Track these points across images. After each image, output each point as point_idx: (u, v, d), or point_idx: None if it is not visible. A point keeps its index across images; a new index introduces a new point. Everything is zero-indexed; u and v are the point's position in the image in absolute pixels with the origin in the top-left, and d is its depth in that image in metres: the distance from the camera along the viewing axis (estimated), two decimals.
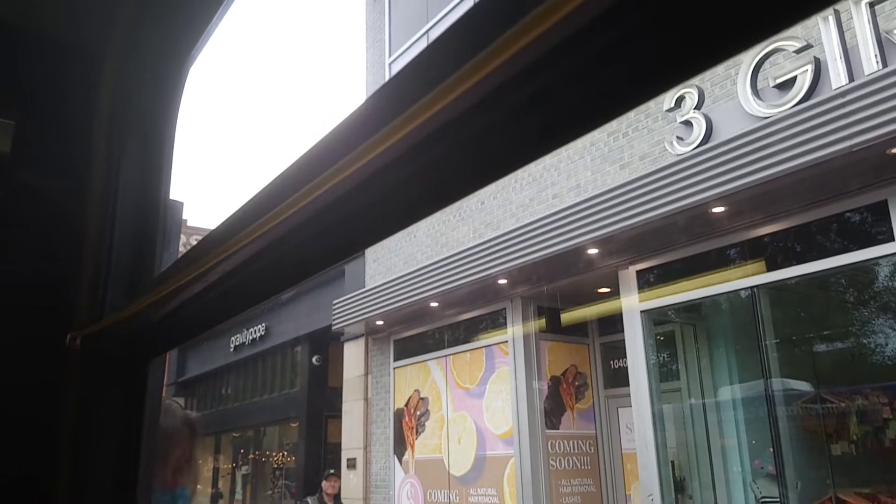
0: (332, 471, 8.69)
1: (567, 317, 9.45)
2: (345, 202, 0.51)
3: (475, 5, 0.40)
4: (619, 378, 9.05)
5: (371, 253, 11.78)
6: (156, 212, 1.14)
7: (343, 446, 12.28)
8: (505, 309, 9.39)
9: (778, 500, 6.46)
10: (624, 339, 7.78)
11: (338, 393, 12.83)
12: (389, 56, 12.63)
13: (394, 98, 0.46)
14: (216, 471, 20.62)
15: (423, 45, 11.60)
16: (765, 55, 6.37)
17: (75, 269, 1.04)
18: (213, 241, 0.68)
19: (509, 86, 0.38)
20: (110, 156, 1.12)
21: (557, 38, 0.35)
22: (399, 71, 0.46)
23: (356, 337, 12.08)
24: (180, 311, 0.78)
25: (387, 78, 12.32)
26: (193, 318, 0.83)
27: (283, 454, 17.29)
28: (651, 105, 7.27)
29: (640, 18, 0.33)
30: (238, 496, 19.02)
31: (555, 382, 9.29)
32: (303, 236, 0.58)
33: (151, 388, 1.02)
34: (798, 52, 6.17)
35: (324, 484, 8.21)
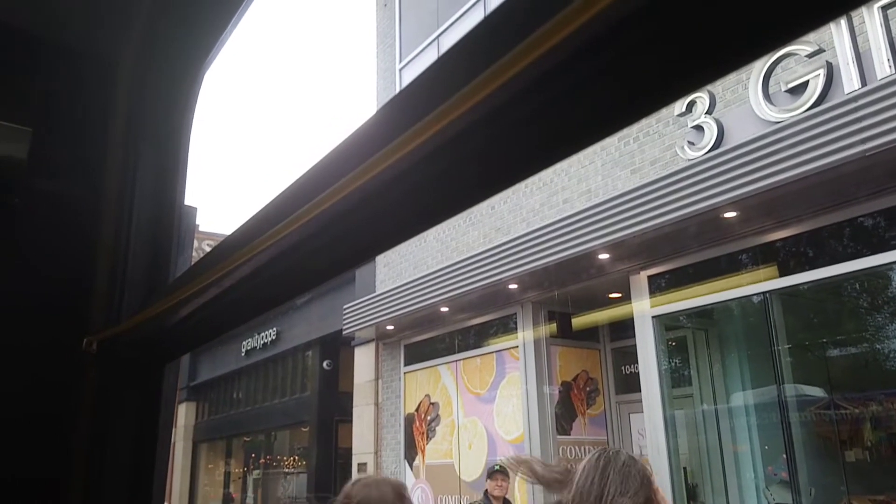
0: (497, 466, 6.27)
1: (578, 322, 9.43)
2: (358, 210, 0.52)
3: (485, 18, 0.41)
4: (630, 384, 9.01)
5: (381, 258, 11.81)
6: (171, 217, 1.15)
7: (354, 451, 12.29)
8: (515, 314, 9.38)
9: None
10: (635, 345, 7.75)
11: (349, 397, 12.85)
12: (400, 62, 12.66)
13: (405, 109, 0.47)
14: (227, 475, 20.67)
15: (433, 50, 11.64)
16: (776, 59, 6.35)
17: (91, 274, 1.05)
18: (229, 247, 0.69)
19: (519, 97, 0.39)
20: (126, 162, 1.14)
21: (566, 52, 0.35)
22: (410, 82, 0.47)
23: (367, 341, 12.10)
24: (195, 315, 0.79)
25: (398, 84, 12.38)
26: (208, 322, 0.84)
27: (294, 458, 17.32)
28: (662, 110, 7.26)
29: (645, 33, 0.34)
30: (249, 500, 19.06)
31: (566, 388, 9.27)
32: (316, 243, 0.59)
33: (166, 393, 1.03)
34: (810, 56, 6.15)
35: (489, 484, 6.20)
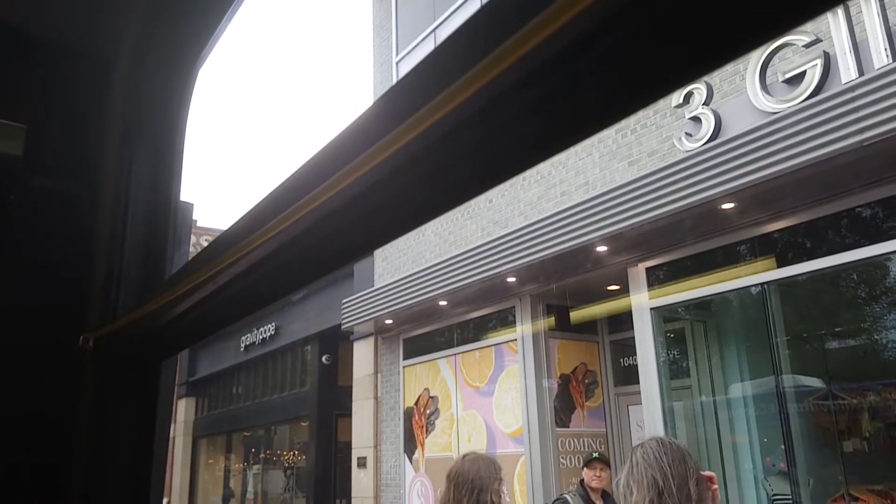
0: (596, 454, 5.55)
1: (576, 315, 9.44)
2: (354, 205, 0.52)
3: (479, 10, 0.40)
4: (629, 376, 9.03)
5: (380, 252, 11.81)
6: (167, 213, 1.15)
7: (353, 445, 12.32)
8: (514, 307, 9.39)
9: (790, 497, 6.44)
10: (634, 337, 7.76)
11: (348, 392, 12.87)
12: (396, 55, 12.64)
13: (401, 101, 0.46)
14: (227, 470, 20.72)
15: (430, 43, 11.61)
16: (773, 50, 6.35)
17: (87, 271, 1.05)
18: (224, 242, 0.69)
19: (516, 89, 0.39)
20: (121, 158, 1.13)
21: (562, 43, 0.35)
22: (406, 74, 0.46)
23: (366, 336, 12.11)
24: (192, 312, 0.79)
25: (394, 76, 12.36)
26: (205, 319, 0.83)
27: (294, 453, 17.36)
28: (659, 101, 7.25)
29: (642, 23, 0.34)
30: (249, 495, 19.10)
31: (564, 380, 9.29)
32: (312, 238, 0.59)
33: (163, 389, 1.03)
34: (807, 46, 6.14)
35: (586, 474, 5.38)
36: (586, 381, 9.53)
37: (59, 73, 1.14)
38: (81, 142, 1.13)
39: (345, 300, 11.67)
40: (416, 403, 11.10)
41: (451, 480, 2.79)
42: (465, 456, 2.92)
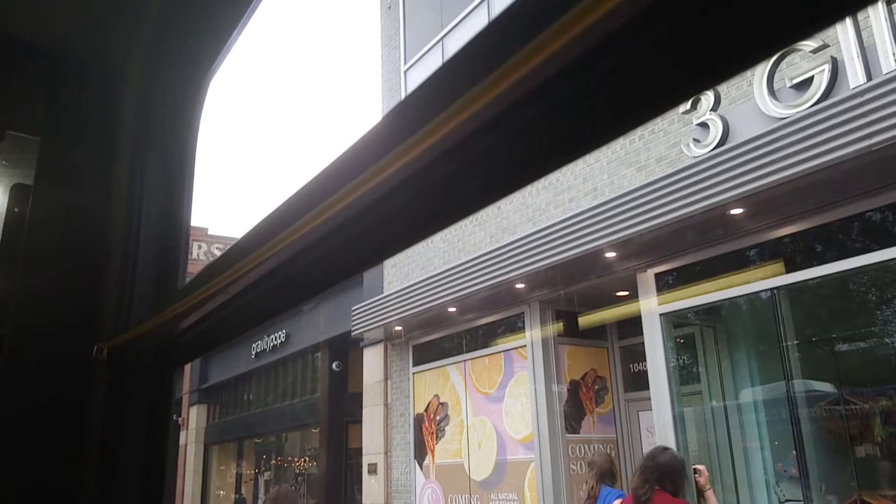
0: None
1: (585, 320, 9.42)
2: (365, 216, 0.53)
3: (489, 23, 0.41)
4: (639, 381, 8.99)
5: (389, 259, 11.79)
6: (179, 224, 1.16)
7: (364, 452, 12.31)
8: (523, 313, 9.38)
9: (802, 503, 6.39)
10: (643, 343, 7.73)
11: (358, 399, 12.86)
12: (405, 64, 12.67)
13: (411, 114, 0.47)
14: (239, 476, 20.73)
15: (438, 52, 11.64)
16: (781, 55, 6.33)
17: (101, 282, 1.07)
18: (235, 254, 0.70)
19: (522, 103, 0.40)
20: (133, 171, 1.15)
21: (571, 56, 0.36)
22: (414, 89, 0.47)
23: (375, 343, 12.11)
24: (204, 322, 0.80)
25: (403, 85, 12.36)
26: (217, 329, 0.84)
27: (305, 459, 17.35)
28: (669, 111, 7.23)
29: (648, 38, 0.35)
30: (261, 501, 19.10)
31: (574, 386, 9.26)
32: (322, 250, 0.60)
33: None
34: (814, 51, 6.12)
35: None
36: (596, 386, 9.50)
37: (72, 87, 1.16)
38: (94, 154, 1.15)
39: (355, 307, 11.67)
40: (426, 410, 11.09)
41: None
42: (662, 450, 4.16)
